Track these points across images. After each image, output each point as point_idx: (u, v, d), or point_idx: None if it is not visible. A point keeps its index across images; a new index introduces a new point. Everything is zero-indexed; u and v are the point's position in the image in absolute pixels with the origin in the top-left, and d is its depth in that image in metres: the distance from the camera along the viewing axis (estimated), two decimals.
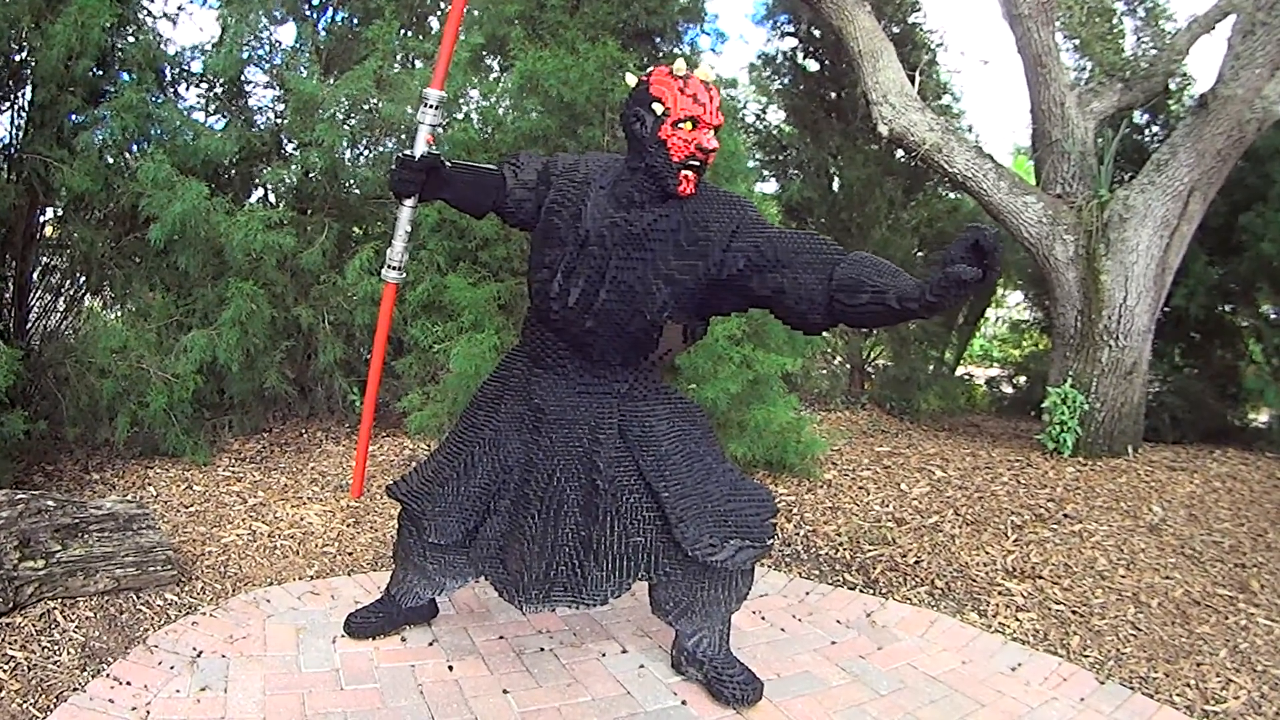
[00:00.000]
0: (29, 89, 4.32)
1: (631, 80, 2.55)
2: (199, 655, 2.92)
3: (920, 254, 7.07)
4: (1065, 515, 4.38)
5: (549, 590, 2.59)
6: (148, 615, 3.22)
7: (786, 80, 7.49)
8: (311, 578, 3.58)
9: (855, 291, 2.19)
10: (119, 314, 5.12)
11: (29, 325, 4.83)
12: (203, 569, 3.67)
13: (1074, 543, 4.07)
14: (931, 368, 7.06)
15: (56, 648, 2.98)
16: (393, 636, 3.05)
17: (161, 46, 4.84)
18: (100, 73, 4.57)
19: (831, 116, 7.24)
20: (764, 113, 7.71)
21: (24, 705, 2.69)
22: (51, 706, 2.67)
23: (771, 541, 2.71)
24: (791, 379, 6.63)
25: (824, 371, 7.47)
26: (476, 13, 5.34)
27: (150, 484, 4.56)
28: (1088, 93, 5.76)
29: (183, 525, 4.11)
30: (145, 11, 4.85)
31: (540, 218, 2.65)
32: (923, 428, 6.39)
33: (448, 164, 2.71)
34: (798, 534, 4.24)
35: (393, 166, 2.69)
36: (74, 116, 4.43)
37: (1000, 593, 3.63)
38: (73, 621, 3.14)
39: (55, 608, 3.18)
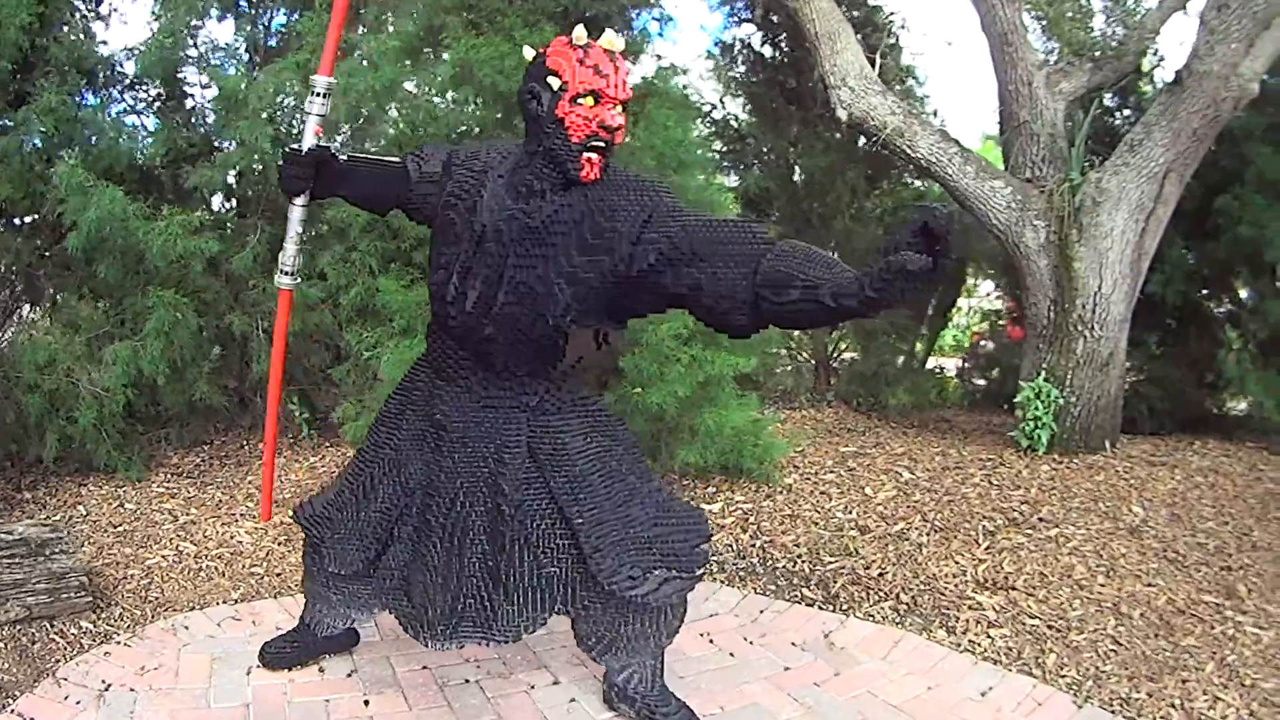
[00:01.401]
0: None
1: (530, 55, 2.26)
2: (107, 689, 2.74)
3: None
4: (1040, 519, 4.10)
5: (455, 625, 2.33)
6: (60, 645, 3.06)
7: (744, 68, 7.14)
8: (236, 601, 3.40)
9: (783, 287, 1.87)
10: (50, 326, 4.85)
11: None
12: (124, 593, 3.49)
13: (1050, 549, 3.79)
14: (901, 361, 6.74)
15: None
16: (310, 667, 2.83)
17: (91, 47, 4.55)
18: (24, 75, 4.33)
19: (791, 105, 6.92)
20: (722, 102, 7.35)
21: None
22: None
23: (702, 571, 2.43)
24: (753, 377, 6.31)
25: (788, 368, 7.13)
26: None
27: (82, 502, 4.35)
28: (1056, 73, 5.48)
29: (108, 546, 3.91)
30: (76, 11, 4.60)
31: (438, 213, 2.38)
32: (891, 425, 6.09)
33: (341, 157, 2.44)
34: (753, 545, 3.95)
35: (279, 162, 2.40)
36: None
37: (971, 607, 3.35)
38: None
39: None
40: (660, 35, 5.30)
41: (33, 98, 4.21)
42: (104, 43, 4.80)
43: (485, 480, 2.33)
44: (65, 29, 4.31)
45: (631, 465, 2.43)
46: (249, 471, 4.80)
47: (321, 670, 2.81)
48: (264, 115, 4.40)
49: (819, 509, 4.29)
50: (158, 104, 5.04)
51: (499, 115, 4.51)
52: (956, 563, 3.68)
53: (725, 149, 7.36)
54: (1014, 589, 3.45)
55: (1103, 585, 3.47)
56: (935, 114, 7.10)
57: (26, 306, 5.00)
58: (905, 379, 6.48)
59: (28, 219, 4.64)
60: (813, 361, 7.27)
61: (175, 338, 4.28)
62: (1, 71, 4.08)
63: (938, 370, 7.48)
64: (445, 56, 4.44)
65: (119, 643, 3.06)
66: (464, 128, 4.58)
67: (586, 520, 2.27)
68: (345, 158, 2.45)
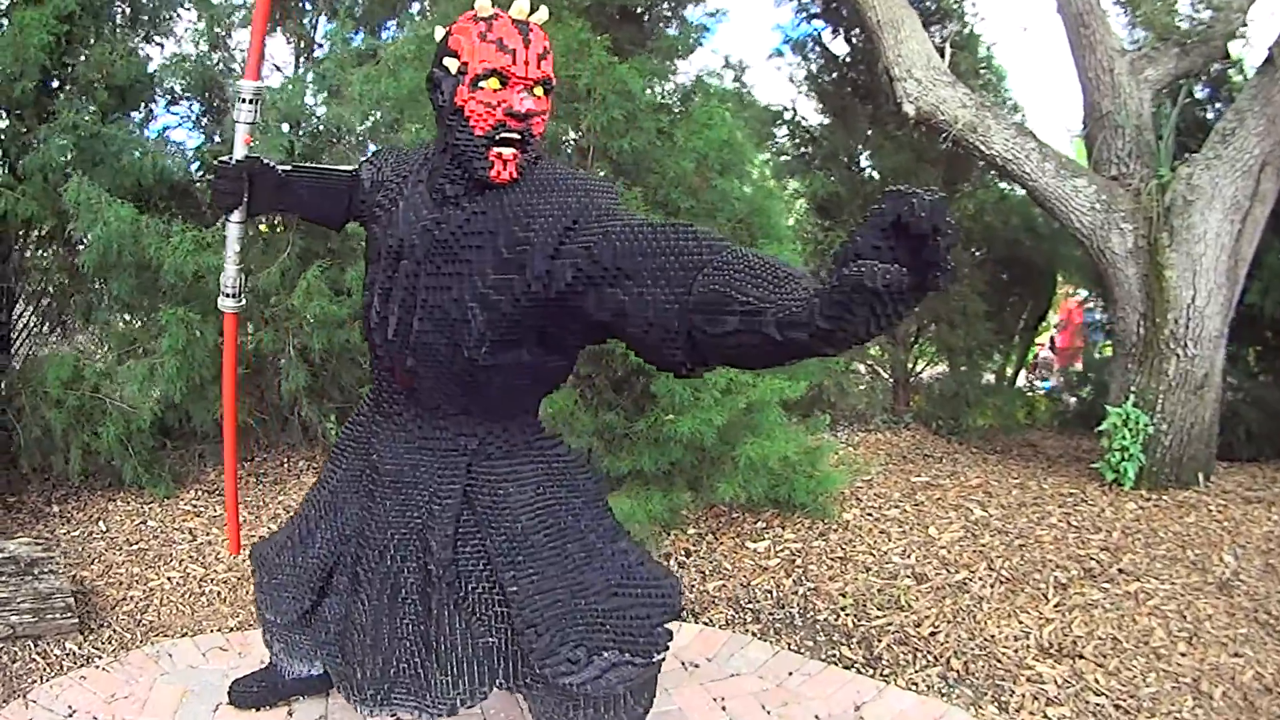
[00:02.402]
0: None
1: (439, 35, 1.90)
2: (71, 715, 2.68)
3: (970, 253, 6.18)
4: (1120, 570, 3.57)
5: (388, 691, 2.04)
6: (40, 666, 3.02)
7: (814, 65, 6.65)
8: (231, 629, 3.27)
9: (718, 313, 1.36)
10: (77, 341, 4.89)
11: None
12: (119, 615, 3.42)
13: (1127, 608, 3.28)
14: (987, 379, 6.15)
15: None
16: (280, 708, 2.65)
17: (123, 63, 4.40)
18: (51, 93, 4.28)
19: (862, 101, 6.40)
20: (793, 102, 6.86)
21: None
22: None
23: (661, 656, 2.04)
24: (824, 395, 5.83)
25: (862, 387, 6.58)
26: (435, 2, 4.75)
27: (105, 518, 4.27)
28: (1140, 59, 4.90)
29: (118, 565, 3.83)
30: (105, 28, 4.48)
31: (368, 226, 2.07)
32: (971, 450, 5.55)
33: (278, 167, 2.16)
34: (795, 593, 3.53)
35: (209, 175, 2.12)
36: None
37: (1030, 678, 2.88)
38: None
39: None
40: (709, 31, 4.87)
41: (55, 116, 4.14)
42: (148, 58, 4.73)
43: (418, 532, 2.01)
44: (91, 45, 4.21)
45: (593, 521, 2.06)
46: (282, 490, 4.65)
47: (290, 714, 2.63)
48: (284, 126, 4.19)
49: (875, 551, 3.85)
50: (194, 118, 4.95)
51: None
52: (1020, 622, 3.20)
53: (797, 151, 6.88)
54: (1081, 657, 2.96)
55: (1183, 655, 2.96)
56: (1015, 108, 6.48)
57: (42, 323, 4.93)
58: (990, 399, 5.90)
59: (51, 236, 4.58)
60: (891, 379, 6.72)
61: (193, 355, 4.11)
62: (25, 90, 4.01)
63: (1028, 388, 6.84)
64: None
65: (99, 667, 2.98)
66: None
67: (522, 588, 1.91)
68: (288, 168, 2.18)
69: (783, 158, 6.81)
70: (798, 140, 6.78)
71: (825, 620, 3.31)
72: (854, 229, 1.15)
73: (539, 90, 1.77)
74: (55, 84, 4.27)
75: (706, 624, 3.29)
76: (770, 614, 3.37)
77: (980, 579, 3.52)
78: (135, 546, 3.97)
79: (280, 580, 2.23)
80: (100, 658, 3.08)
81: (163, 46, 4.46)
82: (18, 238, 4.38)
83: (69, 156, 4.03)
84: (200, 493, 4.57)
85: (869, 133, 6.29)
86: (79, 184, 3.83)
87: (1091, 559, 3.67)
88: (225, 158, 2.12)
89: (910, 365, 6.60)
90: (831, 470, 4.08)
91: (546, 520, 1.99)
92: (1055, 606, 3.29)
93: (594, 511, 2.08)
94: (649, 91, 4.03)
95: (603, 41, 3.94)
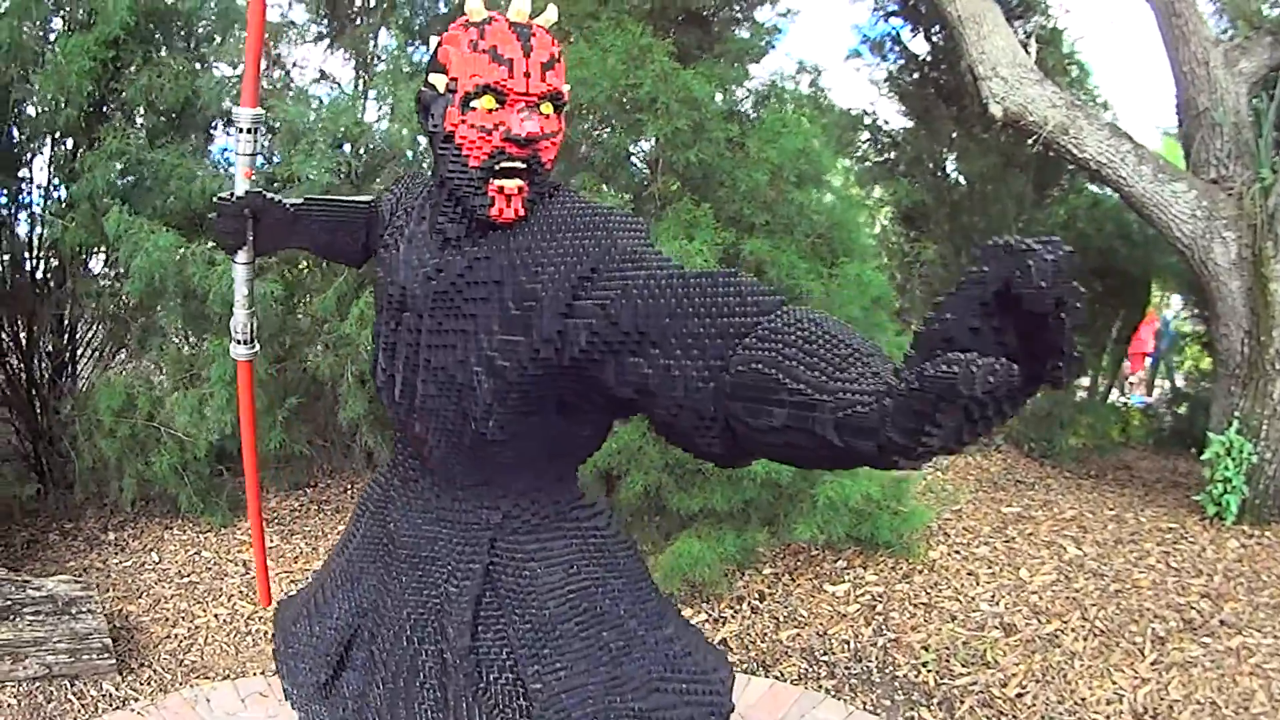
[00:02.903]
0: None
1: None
2: None
3: None
4: (1222, 621, 3.21)
5: None
6: (75, 708, 2.97)
7: (894, 65, 6.29)
8: (274, 673, 3.13)
9: (762, 401, 1.04)
10: (143, 368, 4.83)
11: (39, 383, 4.57)
12: (161, 654, 3.33)
13: (1228, 665, 2.93)
14: (1081, 395, 5.72)
15: None
16: None
17: (168, 86, 4.31)
18: (101, 119, 4.22)
19: (946, 103, 6.02)
20: (872, 105, 6.53)
21: None
22: None
23: None
24: None
25: None
26: None
27: (159, 547, 4.22)
28: (1234, 50, 4.45)
29: (165, 599, 3.75)
30: (156, 49, 4.43)
31: None
32: (1065, 475, 5.16)
33: (286, 202, 1.91)
34: (875, 644, 3.24)
35: (212, 214, 1.92)
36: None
37: None
38: None
39: None
40: (781, 32, 4.58)
41: (100, 142, 4.08)
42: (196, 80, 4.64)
43: (435, 613, 1.75)
44: (139, 70, 4.13)
45: (634, 605, 1.77)
46: (342, 519, 4.55)
47: None
48: (329, 145, 4.05)
49: (961, 596, 3.53)
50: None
51: (585, 127, 3.99)
52: (1113, 682, 2.87)
53: (880, 157, 6.52)
54: None
55: None
56: (1105, 106, 6.02)
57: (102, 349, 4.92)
58: (1083, 416, 5.46)
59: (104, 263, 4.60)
60: None
61: None
62: (70, 118, 3.96)
63: (1121, 404, 6.35)
64: None
65: (134, 710, 2.93)
66: None
67: (547, 685, 1.64)
68: (297, 201, 1.94)
69: (864, 164, 6.47)
70: (879, 145, 6.43)
71: (905, 677, 3.02)
72: (943, 298, 0.83)
73: (546, 107, 1.47)
74: (104, 110, 4.23)
75: (778, 678, 3.05)
76: (846, 668, 3.09)
77: (1073, 630, 3.19)
78: (186, 579, 3.89)
79: (297, 650, 1.98)
80: (137, 700, 3.03)
81: (212, 68, 4.34)
82: (71, 265, 4.35)
83: (114, 183, 3.98)
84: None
85: (954, 136, 5.92)
86: (118, 214, 3.76)
87: (1191, 608, 3.32)
88: (225, 194, 1.89)
89: None
90: (917, 506, 3.76)
91: (579, 605, 1.71)
92: (1152, 665, 2.95)
93: (635, 593, 1.79)
94: (718, 99, 3.77)
95: (665, 46, 3.70)
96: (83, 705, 2.97)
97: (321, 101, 4.45)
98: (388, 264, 1.69)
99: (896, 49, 6.34)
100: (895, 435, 0.85)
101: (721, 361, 1.13)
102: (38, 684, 3.08)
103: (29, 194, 4.17)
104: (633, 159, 3.92)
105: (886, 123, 6.46)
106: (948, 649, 3.15)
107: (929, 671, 3.04)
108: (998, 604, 3.44)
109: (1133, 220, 5.33)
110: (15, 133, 4.02)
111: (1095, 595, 3.44)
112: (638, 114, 3.74)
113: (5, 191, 4.16)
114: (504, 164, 1.45)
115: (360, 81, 5.26)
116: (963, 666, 3.05)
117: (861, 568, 3.78)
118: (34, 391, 4.48)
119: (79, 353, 4.75)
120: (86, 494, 4.38)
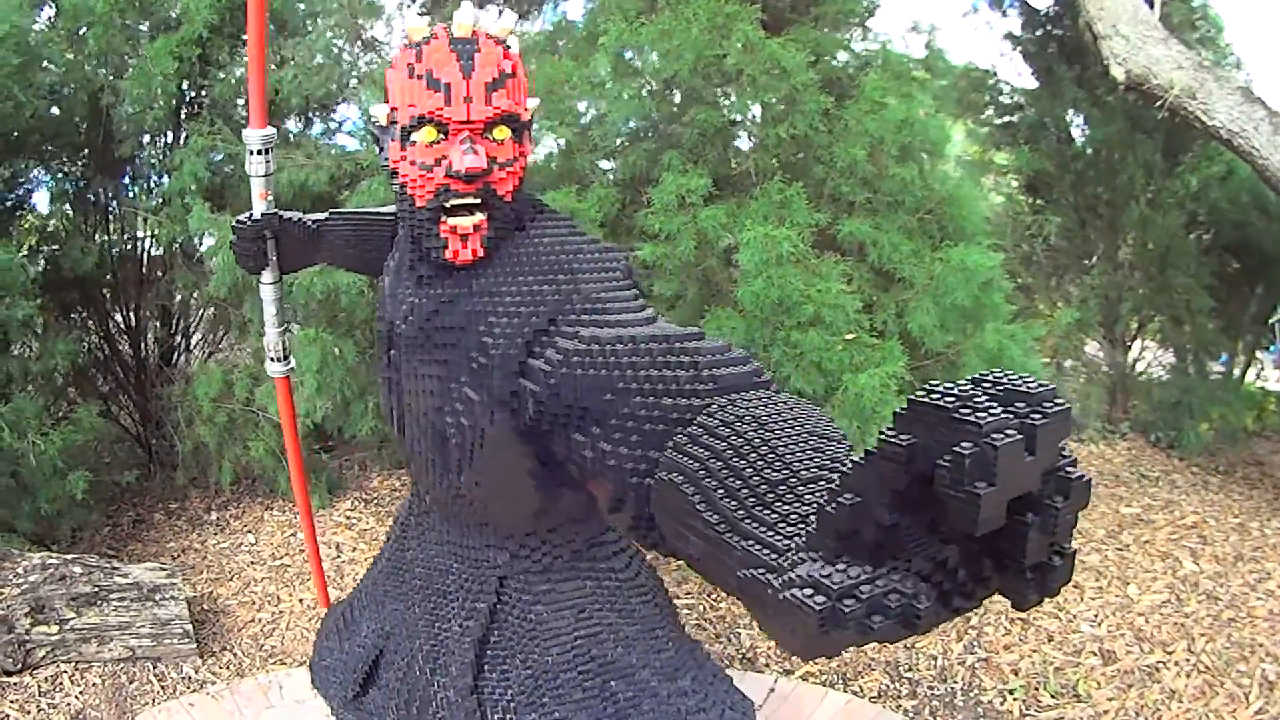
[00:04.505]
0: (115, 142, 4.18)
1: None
2: None
3: (1196, 237, 5.20)
4: None
5: None
6: (154, 688, 3.09)
7: (1015, 21, 5.77)
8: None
9: (680, 524, 0.86)
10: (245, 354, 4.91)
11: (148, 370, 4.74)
12: (243, 639, 3.42)
13: None
14: (1213, 378, 5.18)
15: (54, 711, 2.97)
16: None
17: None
18: (190, 117, 4.33)
19: (1069, 63, 5.48)
20: (994, 68, 5.97)
21: None
22: None
23: None
24: None
25: (1074, 389, 5.66)
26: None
27: (257, 528, 4.34)
28: None
29: (255, 582, 3.85)
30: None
31: None
32: (1192, 469, 4.72)
33: (307, 219, 1.89)
34: (963, 664, 3.03)
35: (232, 237, 1.91)
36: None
37: None
38: (78, 686, 3.10)
39: (66, 671, 3.15)
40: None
41: (189, 140, 4.18)
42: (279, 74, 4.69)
43: (445, 647, 1.71)
44: (224, 66, 4.21)
45: (647, 654, 1.66)
46: None
47: None
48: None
49: (1062, 613, 3.27)
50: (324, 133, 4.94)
51: (674, 108, 3.79)
52: None
53: (1002, 121, 6.02)
54: None
55: None
56: (1238, 67, 5.38)
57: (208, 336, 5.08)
58: (1216, 403, 4.94)
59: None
60: (1110, 378, 5.79)
61: (332, 374, 4.00)
62: (157, 117, 4.06)
63: (1258, 388, 5.70)
64: (601, 45, 3.74)
65: (209, 694, 3.02)
66: (631, 127, 3.89)
67: None
68: (321, 217, 1.91)
69: (985, 130, 5.99)
70: (1001, 109, 5.94)
71: (989, 704, 2.81)
72: (850, 468, 0.62)
73: (499, 132, 1.33)
74: (194, 107, 4.33)
75: (856, 694, 2.90)
76: (929, 688, 2.90)
77: (1176, 664, 2.90)
78: (279, 561, 3.98)
79: (329, 664, 2.02)
80: (214, 683, 3.11)
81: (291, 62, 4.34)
82: (169, 257, 4.49)
83: (202, 179, 4.04)
84: (357, 503, 4.55)
85: (1078, 98, 5.41)
86: (200, 210, 3.83)
87: None
88: (243, 216, 1.88)
89: (1129, 366, 5.67)
90: None
91: (586, 651, 1.61)
92: (1256, 713, 2.63)
93: (651, 642, 1.68)
94: (814, 68, 3.51)
95: (752, 13, 3.46)
96: (162, 687, 3.07)
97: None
98: (379, 295, 1.62)
99: (1017, 3, 5.84)
100: (789, 594, 0.63)
101: (657, 454, 0.94)
102: (121, 665, 3.21)
103: (130, 190, 4.31)
104: (723, 137, 3.70)
105: (1008, 85, 5.96)
106: (1038, 676, 2.92)
107: (1015, 700, 2.82)
108: (1099, 625, 3.17)
109: (1271, 192, 4.78)
110: (112, 133, 4.13)
111: (1206, 623, 3.12)
112: (725, 87, 3.54)
113: (107, 189, 4.30)
114: (454, 201, 1.33)
115: None
116: (1051, 698, 2.82)
117: None
118: (142, 377, 4.67)
119: (182, 341, 4.92)
120: (189, 477, 4.53)
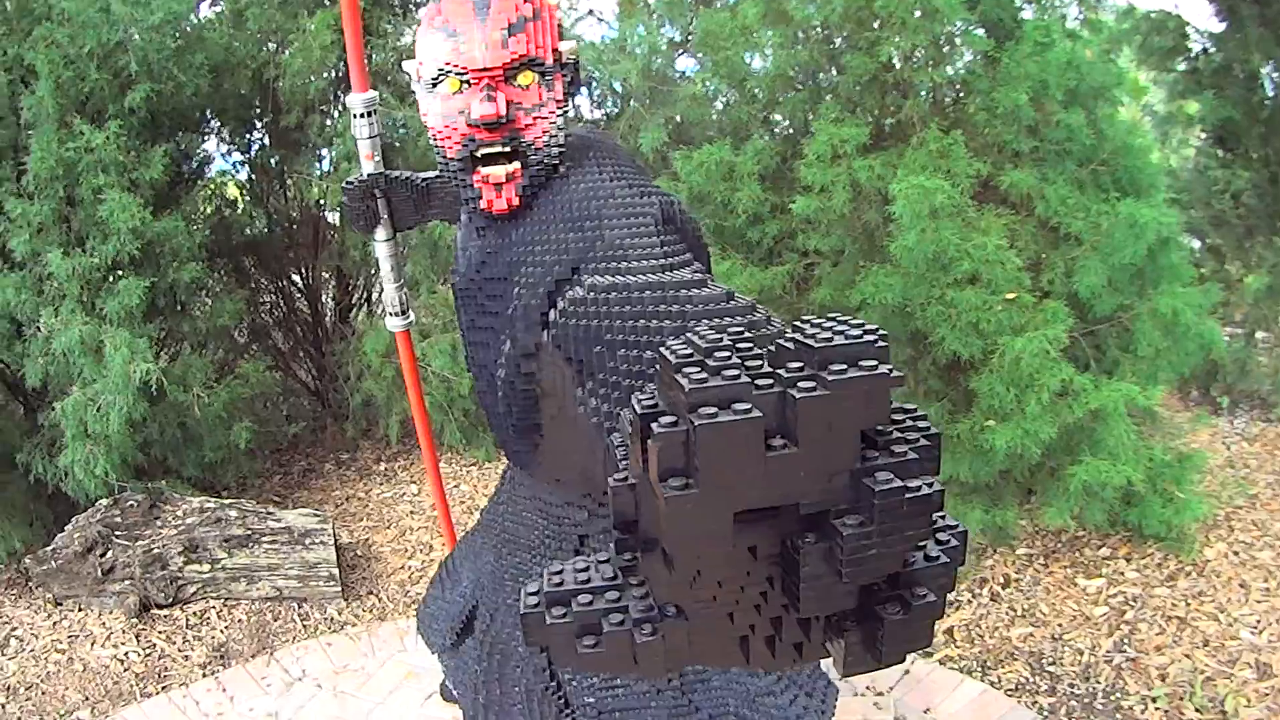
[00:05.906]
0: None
1: None
2: (299, 680, 2.81)
3: None
4: None
5: None
6: (297, 627, 3.15)
7: None
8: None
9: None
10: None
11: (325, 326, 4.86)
12: (390, 585, 3.44)
13: None
14: None
15: (198, 643, 3.04)
16: None
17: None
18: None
19: (1259, 2, 4.71)
20: (1176, 6, 5.23)
21: (134, 686, 2.82)
22: (154, 693, 2.78)
23: None
24: (1219, 373, 4.52)
25: (1265, 361, 4.89)
26: None
27: (421, 479, 4.36)
28: None
29: (412, 530, 3.88)
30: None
31: None
32: None
33: (416, 177, 1.83)
34: (1110, 662, 2.64)
35: (342, 198, 1.88)
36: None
37: None
38: (224, 621, 3.17)
39: (215, 607, 3.24)
40: None
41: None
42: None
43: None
44: (384, 35, 4.24)
45: None
46: None
47: None
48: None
49: (1223, 614, 2.79)
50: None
51: (828, 56, 3.52)
52: None
53: (1187, 66, 5.30)
54: None
55: None
56: None
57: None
58: None
59: None
60: None
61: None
62: (318, 88, 4.10)
63: None
64: None
65: (348, 635, 3.04)
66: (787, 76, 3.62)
67: (599, 700, 1.45)
68: (431, 175, 1.84)
69: (1169, 75, 5.31)
70: (1185, 54, 5.24)
71: (1129, 710, 2.42)
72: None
73: (524, 77, 1.24)
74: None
75: (993, 684, 2.58)
76: (1070, 686, 2.53)
77: None
78: (436, 513, 3.95)
79: (432, 611, 1.96)
80: (354, 624, 3.13)
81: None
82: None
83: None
84: None
85: (1264, 39, 4.67)
86: (322, 186, 3.89)
87: None
88: (352, 177, 1.85)
89: None
90: (1194, 495, 2.97)
91: None
92: None
93: None
94: (974, 9, 3.19)
95: None
96: (305, 626, 3.12)
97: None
98: (455, 249, 1.52)
99: None
100: None
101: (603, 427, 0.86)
102: (268, 604, 3.28)
103: (301, 158, 4.37)
104: (879, 84, 3.40)
105: (1192, 28, 5.22)
106: (1186, 684, 2.49)
107: (1156, 709, 2.41)
108: (1260, 633, 2.67)
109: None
110: (280, 105, 4.19)
111: None
112: (875, 31, 3.23)
113: (278, 158, 4.40)
114: (484, 150, 1.24)
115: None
116: (1195, 711, 2.39)
117: (1125, 559, 3.10)
118: (319, 334, 4.79)
119: (360, 299, 5.03)
120: (358, 430, 4.60)
